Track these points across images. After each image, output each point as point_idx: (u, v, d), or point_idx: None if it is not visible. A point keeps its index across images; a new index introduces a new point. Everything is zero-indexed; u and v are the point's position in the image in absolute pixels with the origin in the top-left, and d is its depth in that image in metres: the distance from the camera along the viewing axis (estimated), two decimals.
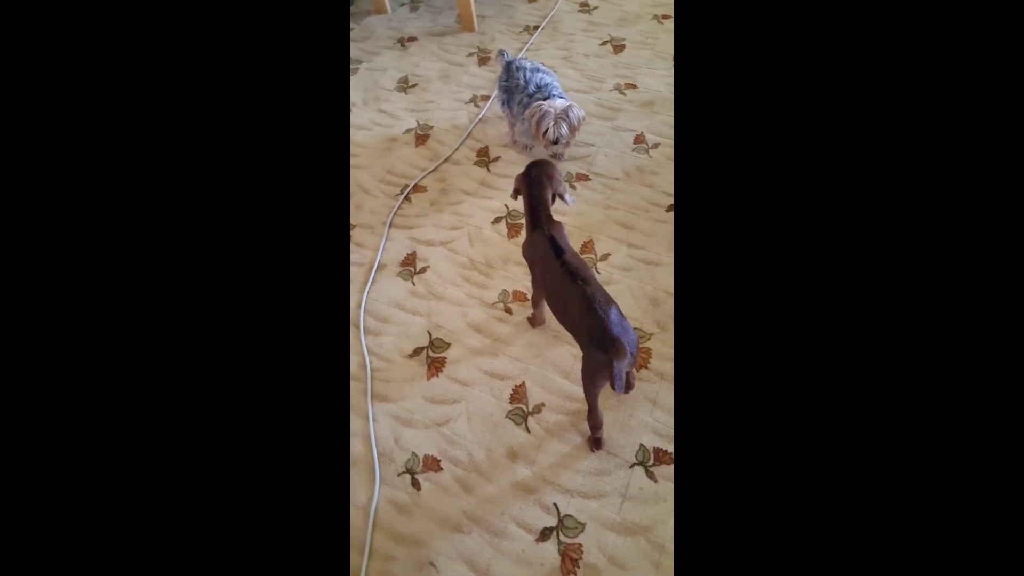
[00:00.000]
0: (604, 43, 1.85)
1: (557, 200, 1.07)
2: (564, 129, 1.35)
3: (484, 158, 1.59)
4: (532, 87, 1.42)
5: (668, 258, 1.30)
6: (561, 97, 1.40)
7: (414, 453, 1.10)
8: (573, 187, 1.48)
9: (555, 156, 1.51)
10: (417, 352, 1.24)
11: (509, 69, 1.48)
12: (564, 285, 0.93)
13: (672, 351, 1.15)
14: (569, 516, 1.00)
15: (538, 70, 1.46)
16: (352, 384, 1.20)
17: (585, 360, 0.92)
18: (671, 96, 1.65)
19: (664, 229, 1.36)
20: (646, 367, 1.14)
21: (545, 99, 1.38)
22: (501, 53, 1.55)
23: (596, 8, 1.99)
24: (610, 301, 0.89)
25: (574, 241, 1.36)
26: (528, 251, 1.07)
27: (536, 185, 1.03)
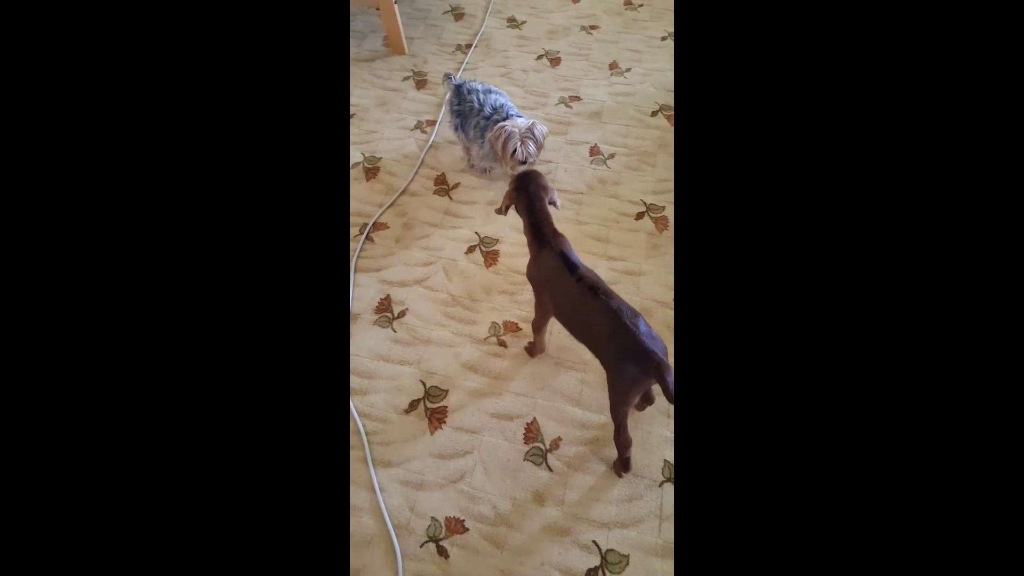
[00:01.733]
0: (540, 57, 1.86)
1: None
2: (532, 147, 1.32)
3: (443, 186, 1.52)
4: (488, 109, 1.38)
5: (648, 267, 1.32)
6: (520, 116, 1.37)
7: (434, 518, 1.01)
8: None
9: None
10: (413, 406, 1.15)
11: (460, 92, 1.43)
12: (584, 302, 0.90)
13: (672, 360, 1.17)
14: (611, 551, 0.97)
15: (490, 91, 1.42)
16: (349, 453, 1.09)
17: (615, 377, 0.88)
18: (615, 105, 1.68)
19: (638, 238, 1.37)
20: None
21: (504, 119, 1.35)
22: (448, 76, 1.49)
23: (524, 22, 1.99)
24: (636, 313, 0.87)
25: None
26: (535, 272, 1.02)
27: (537, 200, 1.00)
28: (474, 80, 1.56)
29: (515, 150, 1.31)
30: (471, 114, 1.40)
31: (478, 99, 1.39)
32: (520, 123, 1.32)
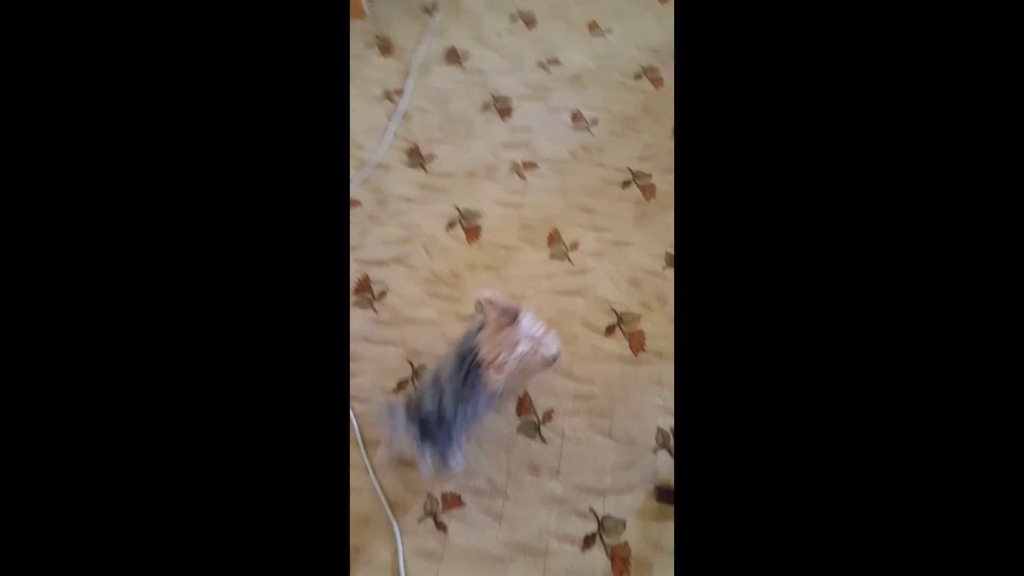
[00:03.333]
0: (514, 19, 1.77)
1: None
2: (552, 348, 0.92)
3: (418, 158, 1.46)
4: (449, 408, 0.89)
5: (637, 237, 1.30)
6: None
7: (430, 494, 1.01)
8: (522, 176, 1.42)
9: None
10: (402, 385, 1.13)
11: (394, 418, 0.88)
12: None
13: (663, 329, 1.17)
14: (608, 517, 0.99)
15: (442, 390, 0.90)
16: None
17: None
18: (596, 68, 1.62)
19: (625, 208, 1.35)
20: (643, 349, 1.15)
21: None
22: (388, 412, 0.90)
23: None
24: None
25: (537, 234, 1.32)
26: None
27: None
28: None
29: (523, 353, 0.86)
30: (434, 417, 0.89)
31: (435, 402, 0.89)
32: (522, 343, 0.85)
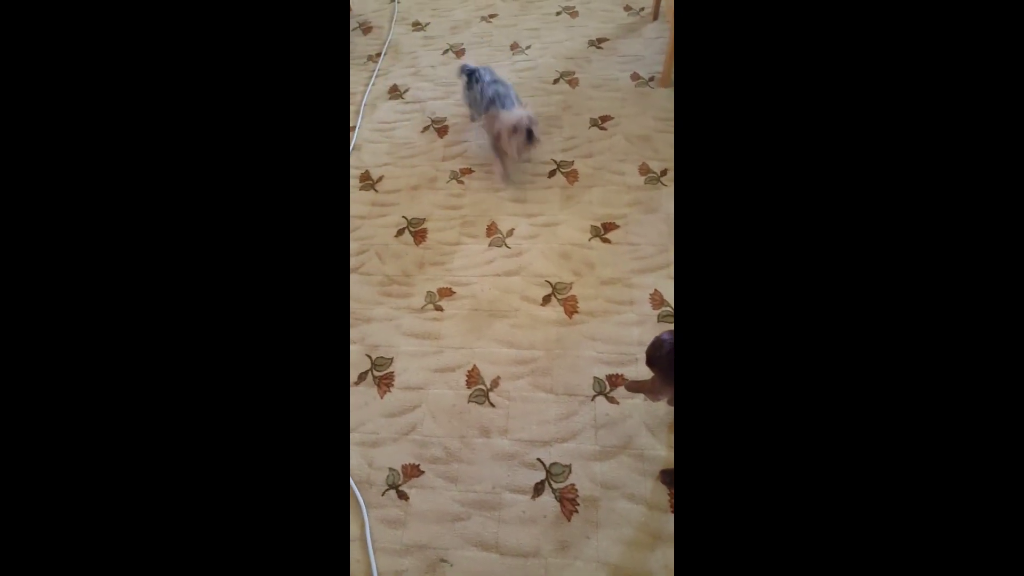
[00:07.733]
0: (445, 52, 1.97)
1: None
2: (524, 137, 1.36)
3: (368, 181, 1.61)
4: (486, 100, 1.45)
5: (564, 216, 1.42)
6: (512, 107, 1.41)
7: (391, 468, 1.09)
8: (461, 182, 1.56)
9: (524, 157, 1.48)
10: (362, 377, 1.22)
11: (470, 83, 1.53)
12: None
13: (593, 291, 1.27)
14: (555, 464, 1.05)
15: (495, 81, 1.49)
16: None
17: None
18: (520, 81, 1.80)
19: (552, 193, 1.48)
20: (576, 312, 1.24)
21: (497, 109, 1.41)
22: (462, 69, 1.57)
23: (428, 24, 2.11)
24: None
25: (477, 228, 1.44)
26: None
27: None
28: (486, 69, 1.54)
29: (509, 142, 1.38)
30: (476, 103, 1.51)
31: (480, 89, 1.48)
32: (511, 117, 1.36)
